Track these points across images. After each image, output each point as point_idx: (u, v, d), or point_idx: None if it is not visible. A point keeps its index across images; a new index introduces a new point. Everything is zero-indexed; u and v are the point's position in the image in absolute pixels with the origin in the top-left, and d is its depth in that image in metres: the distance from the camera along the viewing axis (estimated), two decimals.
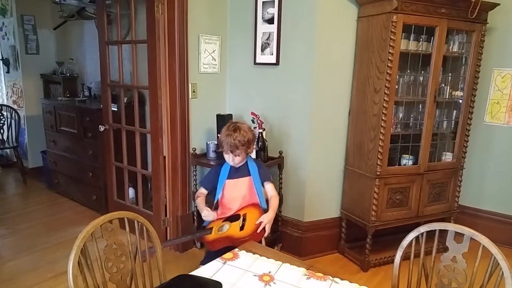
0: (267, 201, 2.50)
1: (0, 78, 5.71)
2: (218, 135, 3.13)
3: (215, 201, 2.50)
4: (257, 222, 2.26)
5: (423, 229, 1.71)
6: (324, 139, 3.22)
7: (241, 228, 2.27)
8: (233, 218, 2.37)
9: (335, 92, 3.17)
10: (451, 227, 1.68)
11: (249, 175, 2.46)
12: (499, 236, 2.95)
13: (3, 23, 5.29)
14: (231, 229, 2.29)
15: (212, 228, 2.35)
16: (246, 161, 2.48)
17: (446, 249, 1.65)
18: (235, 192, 2.45)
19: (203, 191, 2.53)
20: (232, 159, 2.40)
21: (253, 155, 2.91)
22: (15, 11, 4.99)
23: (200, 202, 2.47)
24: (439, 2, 2.81)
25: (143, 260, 1.73)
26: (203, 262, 2.25)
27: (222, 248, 2.18)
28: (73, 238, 1.47)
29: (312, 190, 3.25)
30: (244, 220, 2.30)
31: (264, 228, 2.26)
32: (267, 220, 2.27)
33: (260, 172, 2.48)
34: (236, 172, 2.46)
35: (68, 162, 4.47)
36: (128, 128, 3.58)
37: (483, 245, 1.56)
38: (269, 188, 2.49)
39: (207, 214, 2.37)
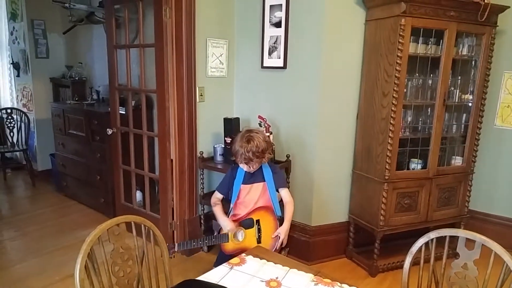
0: (280, 202, 2.51)
1: (10, 81, 5.78)
2: (226, 138, 3.14)
3: (231, 204, 2.51)
4: (273, 236, 2.27)
5: (432, 235, 1.69)
6: (332, 143, 3.20)
7: (258, 241, 2.31)
8: (246, 222, 2.40)
9: (343, 95, 3.15)
10: (462, 233, 1.65)
11: (264, 180, 2.47)
12: (510, 242, 2.92)
13: (14, 28, 5.35)
14: (248, 240, 2.33)
15: (227, 234, 2.38)
16: (261, 166, 2.48)
17: (456, 255, 1.62)
18: (249, 197, 2.47)
19: (218, 196, 2.57)
20: (247, 168, 2.43)
21: None
22: (26, 16, 5.04)
23: (218, 210, 2.50)
24: (448, 5, 2.78)
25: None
26: (216, 264, 2.26)
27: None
28: (81, 241, 1.47)
29: (319, 194, 3.24)
30: (259, 231, 2.34)
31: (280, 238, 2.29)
32: (283, 234, 2.32)
33: (275, 177, 2.49)
34: (251, 177, 2.48)
35: (77, 165, 4.49)
36: (136, 131, 3.59)
37: (495, 252, 1.53)
38: (284, 193, 2.51)
39: (226, 225, 2.40)
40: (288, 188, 2.55)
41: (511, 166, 3.57)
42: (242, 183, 2.47)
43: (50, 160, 5.12)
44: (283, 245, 2.33)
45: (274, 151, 3.16)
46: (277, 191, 2.52)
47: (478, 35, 3.05)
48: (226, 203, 2.59)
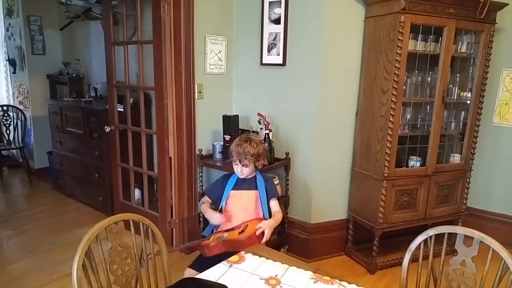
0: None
1: (6, 78, 5.74)
2: (225, 136, 3.13)
3: (218, 210, 2.46)
4: (257, 227, 2.20)
5: (431, 232, 1.69)
6: (331, 140, 3.19)
7: (241, 233, 2.23)
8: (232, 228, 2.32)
9: (342, 93, 3.14)
10: (460, 230, 1.65)
11: (256, 189, 2.42)
12: (507, 239, 2.93)
13: (10, 24, 5.32)
14: (230, 235, 2.23)
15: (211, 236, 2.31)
16: (255, 175, 2.46)
17: (454, 252, 1.63)
18: (238, 203, 2.40)
19: (207, 199, 2.51)
20: (240, 170, 2.38)
21: None
22: (22, 12, 5.00)
23: (206, 207, 2.44)
24: (447, 2, 2.78)
25: (141, 266, 1.71)
26: (192, 266, 2.23)
27: (216, 255, 2.11)
28: (79, 239, 1.46)
29: (319, 191, 3.23)
30: (244, 228, 2.26)
31: (263, 233, 2.16)
32: (266, 225, 2.19)
33: (267, 186, 2.45)
34: (242, 184, 2.43)
35: (74, 163, 4.48)
36: (134, 129, 3.57)
37: (493, 249, 1.53)
38: (274, 204, 2.43)
39: (215, 218, 2.33)
40: (277, 200, 2.50)
41: (509, 163, 3.58)
42: (232, 189, 2.42)
43: (47, 158, 5.10)
44: (264, 240, 2.17)
45: (273, 148, 3.15)
46: (268, 202, 2.44)
47: (477, 32, 3.05)
48: (214, 208, 2.50)
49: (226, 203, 2.42)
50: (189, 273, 2.18)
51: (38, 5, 5.06)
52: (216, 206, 2.47)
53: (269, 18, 3.20)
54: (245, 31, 3.40)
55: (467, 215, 3.39)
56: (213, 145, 3.29)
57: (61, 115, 4.55)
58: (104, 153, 3.99)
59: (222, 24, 3.37)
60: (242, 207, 2.38)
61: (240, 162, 2.36)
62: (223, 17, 3.37)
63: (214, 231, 2.39)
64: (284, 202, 3.25)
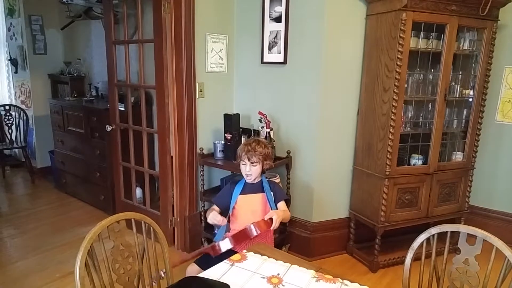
0: None
1: (8, 78, 5.75)
2: (226, 134, 3.13)
3: (227, 216, 2.47)
4: (267, 215, 2.18)
5: (434, 230, 1.68)
6: (333, 139, 3.19)
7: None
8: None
9: (344, 91, 3.13)
10: (463, 229, 1.64)
11: (263, 192, 2.43)
12: (510, 237, 2.91)
13: (11, 24, 5.32)
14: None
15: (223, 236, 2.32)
16: (261, 180, 2.46)
17: (457, 250, 1.62)
18: (246, 206, 2.41)
19: (216, 208, 2.46)
20: (248, 169, 2.37)
21: None
22: (23, 11, 5.01)
23: (210, 211, 2.39)
24: None
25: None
26: (196, 262, 2.23)
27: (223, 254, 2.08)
28: (81, 238, 1.46)
29: (320, 190, 3.23)
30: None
31: (271, 220, 2.13)
32: (275, 212, 2.20)
33: (274, 189, 2.45)
34: (250, 189, 2.43)
35: (76, 162, 4.48)
36: (135, 128, 3.57)
37: (496, 247, 1.52)
38: (281, 205, 2.44)
39: (218, 219, 2.30)
40: (285, 202, 2.48)
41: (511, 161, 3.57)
42: (240, 194, 2.42)
43: (49, 157, 5.11)
44: (273, 226, 2.13)
45: (275, 147, 3.14)
46: (275, 204, 2.44)
47: (479, 29, 3.03)
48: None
49: (234, 208, 2.42)
50: (192, 269, 2.19)
51: (39, 4, 5.06)
52: (225, 214, 2.45)
53: (270, 16, 3.19)
54: (246, 29, 3.39)
55: (470, 213, 3.39)
56: (214, 143, 3.28)
57: (63, 115, 4.56)
58: (106, 152, 4.00)
59: (223, 23, 3.37)
60: (250, 210, 2.40)
61: (248, 160, 2.36)
62: (223, 15, 3.36)
63: (224, 236, 2.39)
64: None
